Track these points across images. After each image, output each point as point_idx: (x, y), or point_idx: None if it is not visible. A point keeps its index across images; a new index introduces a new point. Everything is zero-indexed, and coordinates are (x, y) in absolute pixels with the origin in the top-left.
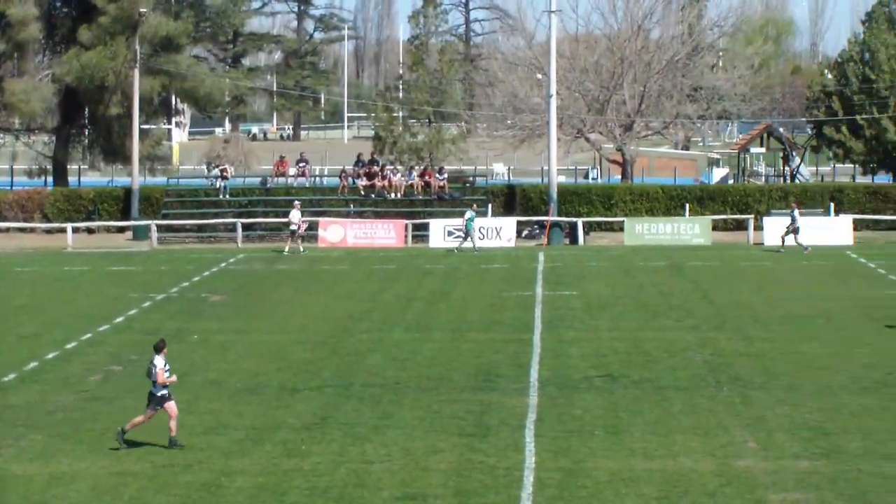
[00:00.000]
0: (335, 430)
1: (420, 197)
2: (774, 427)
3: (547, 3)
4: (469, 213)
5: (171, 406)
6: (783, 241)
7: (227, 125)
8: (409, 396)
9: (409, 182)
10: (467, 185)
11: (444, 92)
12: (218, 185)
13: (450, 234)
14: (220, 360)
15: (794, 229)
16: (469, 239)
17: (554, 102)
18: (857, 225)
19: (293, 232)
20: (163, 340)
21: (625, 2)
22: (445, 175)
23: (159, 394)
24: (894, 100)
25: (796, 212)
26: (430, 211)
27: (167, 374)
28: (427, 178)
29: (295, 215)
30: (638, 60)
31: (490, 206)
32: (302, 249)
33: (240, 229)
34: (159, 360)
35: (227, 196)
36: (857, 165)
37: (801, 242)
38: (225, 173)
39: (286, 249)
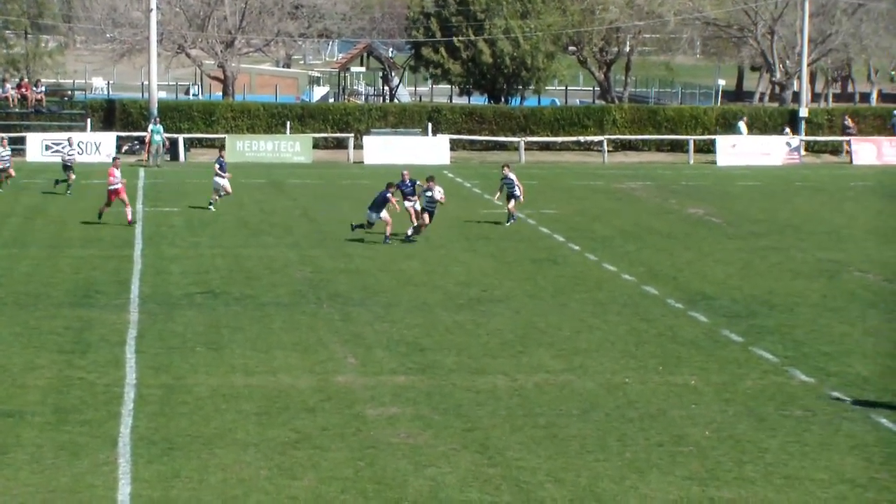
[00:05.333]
0: None
1: (17, 110)
2: (373, 343)
3: None
4: (155, 125)
5: None
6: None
7: None
8: (5, 313)
9: (5, 95)
10: (66, 98)
11: (41, 3)
12: None
13: (47, 148)
14: None
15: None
16: (157, 153)
17: (154, 17)
18: (454, 145)
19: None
20: None
21: None
22: (43, 88)
23: None
24: (489, 22)
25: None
26: (27, 125)
27: None
28: (24, 90)
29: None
30: None
31: (89, 120)
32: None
33: None
34: None
35: None
36: (454, 86)
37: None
38: None
39: None
